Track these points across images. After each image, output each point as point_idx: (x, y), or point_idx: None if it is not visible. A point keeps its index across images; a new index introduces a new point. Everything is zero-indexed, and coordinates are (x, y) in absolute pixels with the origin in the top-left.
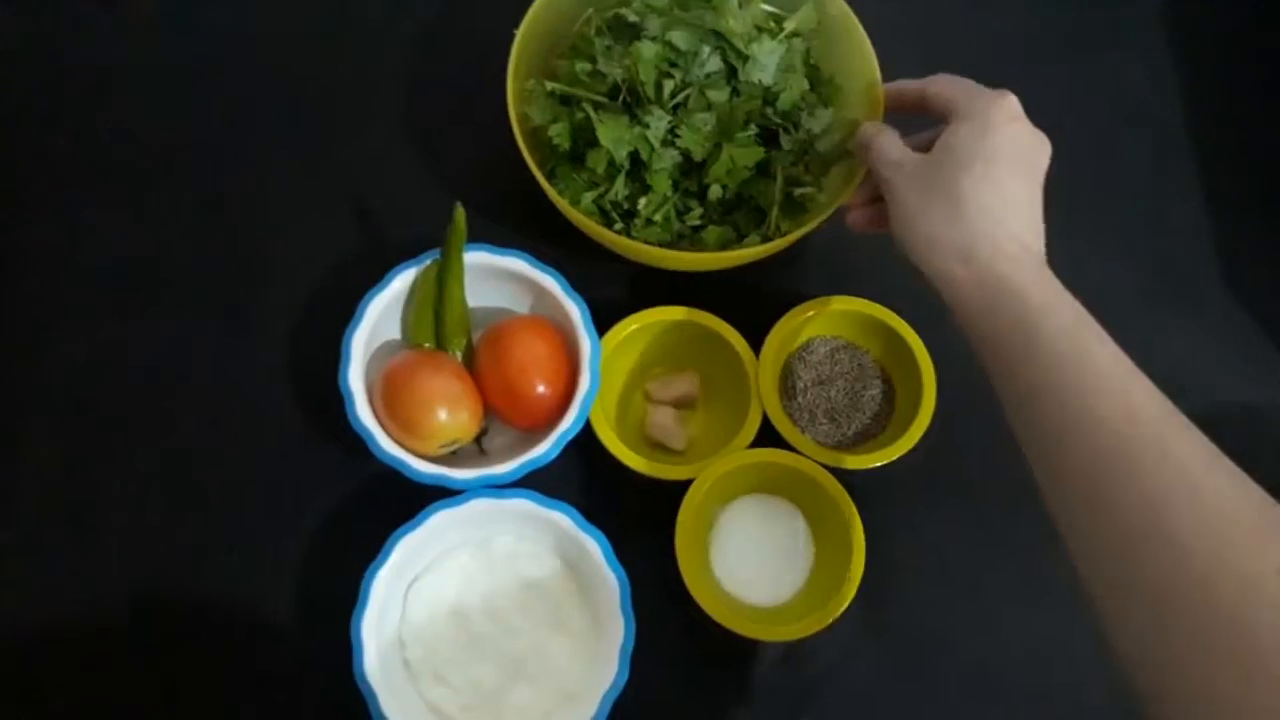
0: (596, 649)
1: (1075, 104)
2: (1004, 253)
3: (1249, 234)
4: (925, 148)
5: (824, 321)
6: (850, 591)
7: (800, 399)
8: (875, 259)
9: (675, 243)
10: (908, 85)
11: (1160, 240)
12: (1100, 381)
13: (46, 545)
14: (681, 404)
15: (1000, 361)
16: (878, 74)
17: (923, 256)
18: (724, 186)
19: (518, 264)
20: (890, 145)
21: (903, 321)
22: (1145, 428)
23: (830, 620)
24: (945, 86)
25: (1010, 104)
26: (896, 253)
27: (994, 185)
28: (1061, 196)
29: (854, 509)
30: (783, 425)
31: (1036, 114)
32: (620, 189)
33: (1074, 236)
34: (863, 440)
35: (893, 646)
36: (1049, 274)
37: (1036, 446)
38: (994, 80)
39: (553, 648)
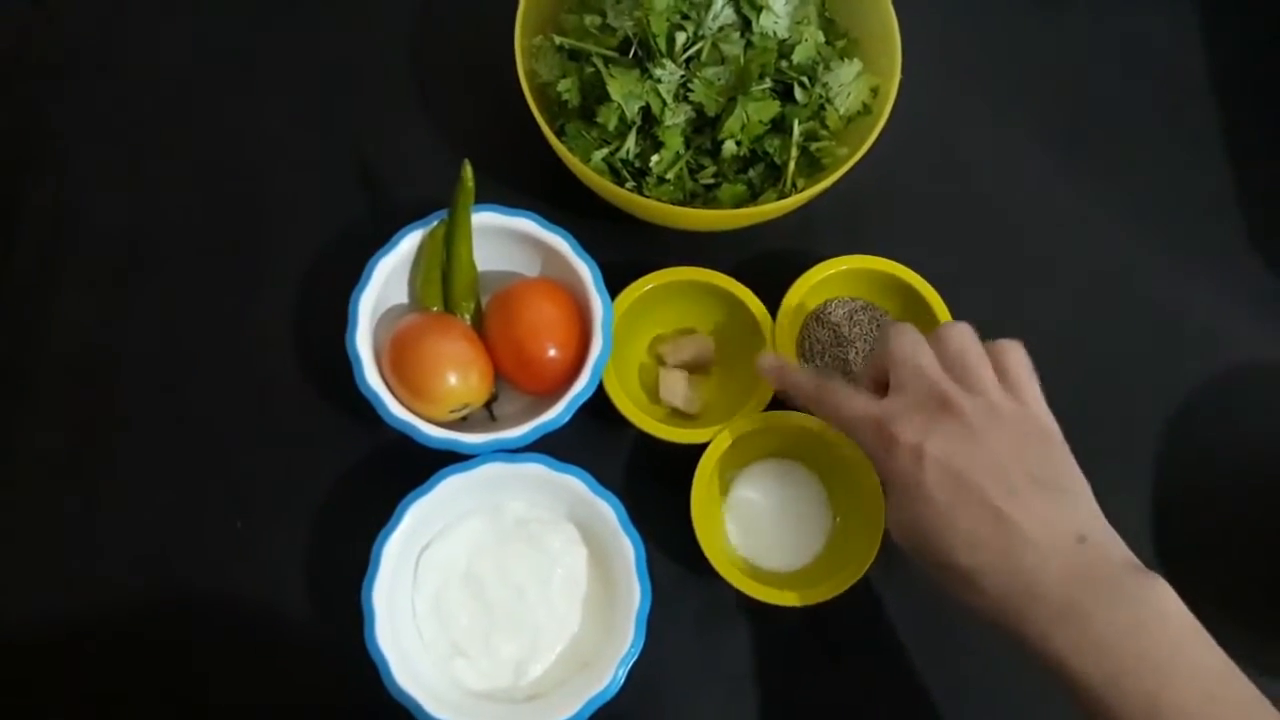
0: (611, 615)
1: (1099, 66)
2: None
3: (1274, 191)
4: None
5: (841, 281)
6: (870, 555)
7: (818, 361)
8: (893, 217)
9: (688, 201)
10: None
11: (1188, 203)
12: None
13: (51, 517)
14: (695, 367)
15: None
16: (895, 27)
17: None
18: (738, 142)
19: (527, 224)
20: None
21: (922, 280)
22: None
23: (850, 584)
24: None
25: (904, 441)
26: (915, 209)
27: (961, 539)
28: (1088, 162)
29: (873, 471)
30: None
31: (1061, 75)
32: (631, 146)
33: (1098, 196)
34: None
35: (914, 609)
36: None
37: None
38: (1012, 44)
39: (567, 614)
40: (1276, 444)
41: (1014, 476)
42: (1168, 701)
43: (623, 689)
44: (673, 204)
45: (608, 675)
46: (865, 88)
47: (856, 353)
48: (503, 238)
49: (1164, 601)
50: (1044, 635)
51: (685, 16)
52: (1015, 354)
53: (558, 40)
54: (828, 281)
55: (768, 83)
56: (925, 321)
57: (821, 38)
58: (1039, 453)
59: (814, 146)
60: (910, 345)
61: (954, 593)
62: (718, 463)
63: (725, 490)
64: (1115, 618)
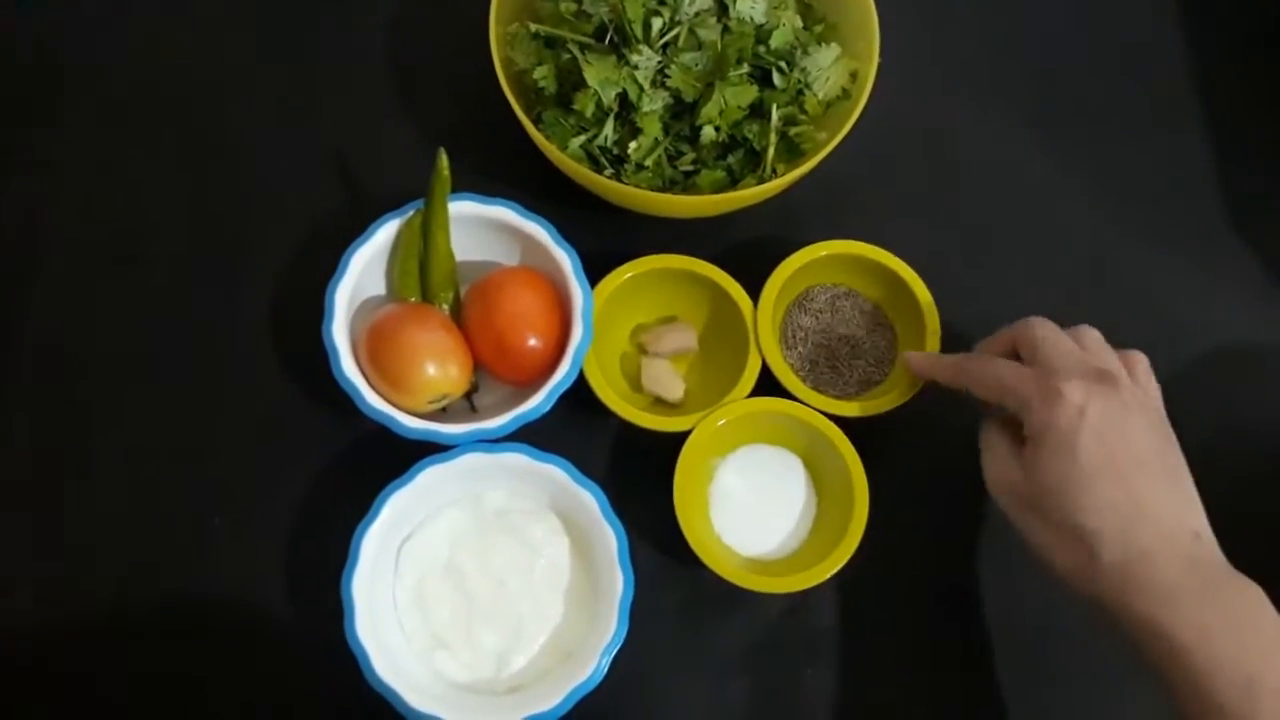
0: (594, 604)
1: (1081, 51)
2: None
3: (1255, 175)
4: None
5: (823, 267)
6: (854, 542)
7: (801, 347)
8: (874, 201)
9: (667, 188)
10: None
11: (1165, 183)
12: None
13: (29, 514)
14: (678, 355)
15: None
16: (873, 11)
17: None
18: (717, 128)
19: (505, 213)
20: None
21: (904, 264)
22: None
23: (834, 571)
24: (1010, 372)
25: (1069, 399)
26: (895, 193)
27: (1095, 502)
28: (1069, 146)
29: (857, 457)
30: (783, 375)
31: (1042, 58)
32: (609, 133)
33: (1078, 180)
34: (866, 387)
35: (899, 597)
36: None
37: None
38: (991, 27)
39: (549, 604)
40: (1265, 428)
41: (1152, 462)
42: (1267, 684)
43: (606, 678)
44: (652, 191)
45: (591, 665)
46: (844, 72)
47: (839, 338)
48: (481, 227)
49: (1262, 604)
50: (1152, 606)
51: (661, 2)
52: (1144, 362)
53: (533, 27)
54: (809, 267)
55: (745, 68)
56: (907, 306)
57: (799, 22)
58: (1168, 449)
59: (793, 131)
60: (1053, 331)
61: (1055, 552)
62: (701, 449)
63: (708, 478)
64: (1221, 607)
